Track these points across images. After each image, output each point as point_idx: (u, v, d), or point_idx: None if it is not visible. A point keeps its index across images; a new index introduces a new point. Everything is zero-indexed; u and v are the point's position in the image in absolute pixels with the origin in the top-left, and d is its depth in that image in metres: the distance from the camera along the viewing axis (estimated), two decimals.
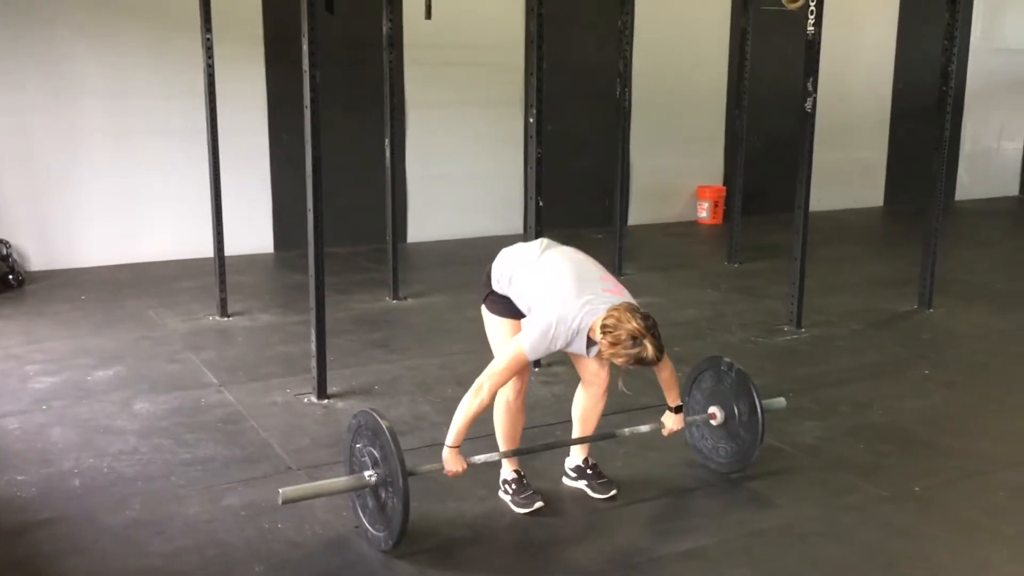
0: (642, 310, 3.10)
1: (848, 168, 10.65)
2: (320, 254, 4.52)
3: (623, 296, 3.18)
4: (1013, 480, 3.75)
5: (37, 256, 7.22)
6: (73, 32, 7.12)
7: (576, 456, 3.67)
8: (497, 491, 3.56)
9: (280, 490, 3.10)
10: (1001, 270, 7.96)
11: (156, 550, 3.16)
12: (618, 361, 3.07)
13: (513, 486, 3.52)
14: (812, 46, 5.56)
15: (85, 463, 3.82)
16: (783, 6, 5.89)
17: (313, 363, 4.57)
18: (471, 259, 7.73)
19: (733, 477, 3.73)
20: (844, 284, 7.11)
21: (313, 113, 4.38)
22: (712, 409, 3.75)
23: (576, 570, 3.07)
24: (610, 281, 3.25)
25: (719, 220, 9.71)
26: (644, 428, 3.67)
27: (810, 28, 5.54)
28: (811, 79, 5.59)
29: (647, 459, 3.92)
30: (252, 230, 7.86)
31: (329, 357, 4.67)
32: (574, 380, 3.70)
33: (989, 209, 11.10)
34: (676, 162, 9.82)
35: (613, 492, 3.56)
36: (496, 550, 3.20)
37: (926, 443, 4.09)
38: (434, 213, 8.60)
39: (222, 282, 5.98)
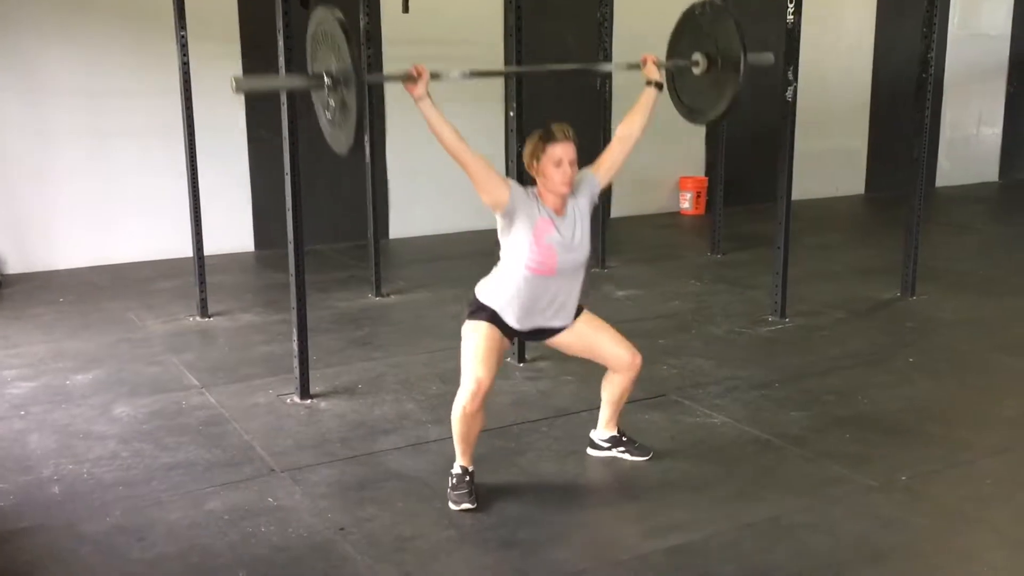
0: None
1: (829, 156, 10.66)
2: (300, 252, 4.47)
3: None
4: (998, 468, 3.75)
5: (13, 259, 7.13)
6: (45, 31, 7.02)
7: (609, 429, 3.79)
8: (482, 487, 3.53)
9: (232, 77, 3.03)
10: (983, 257, 7.99)
11: (137, 557, 3.11)
12: (544, 162, 3.29)
13: (453, 480, 3.45)
14: (792, 35, 5.54)
15: (64, 469, 3.76)
16: None
17: (295, 363, 4.52)
18: (453, 255, 7.70)
19: (721, 469, 3.71)
20: (827, 273, 7.11)
21: (290, 110, 4.32)
22: (695, 56, 3.73)
23: (563, 570, 3.04)
24: None
25: (702, 211, 9.70)
26: (617, 65, 3.77)
27: (790, 17, 5.52)
28: (792, 68, 5.57)
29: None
30: (232, 229, 7.78)
31: (312, 356, 4.63)
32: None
33: (970, 195, 11.14)
34: (658, 153, 9.76)
35: (651, 454, 3.76)
36: (483, 551, 3.17)
37: (912, 432, 4.09)
38: (415, 209, 8.55)
39: (202, 282, 5.92)
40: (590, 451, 3.83)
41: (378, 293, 6.43)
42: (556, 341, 3.60)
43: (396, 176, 8.43)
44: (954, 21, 11.27)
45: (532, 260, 3.31)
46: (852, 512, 3.37)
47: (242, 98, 7.71)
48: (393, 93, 8.22)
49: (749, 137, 9.61)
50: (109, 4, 7.18)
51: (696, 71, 3.66)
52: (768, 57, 3.75)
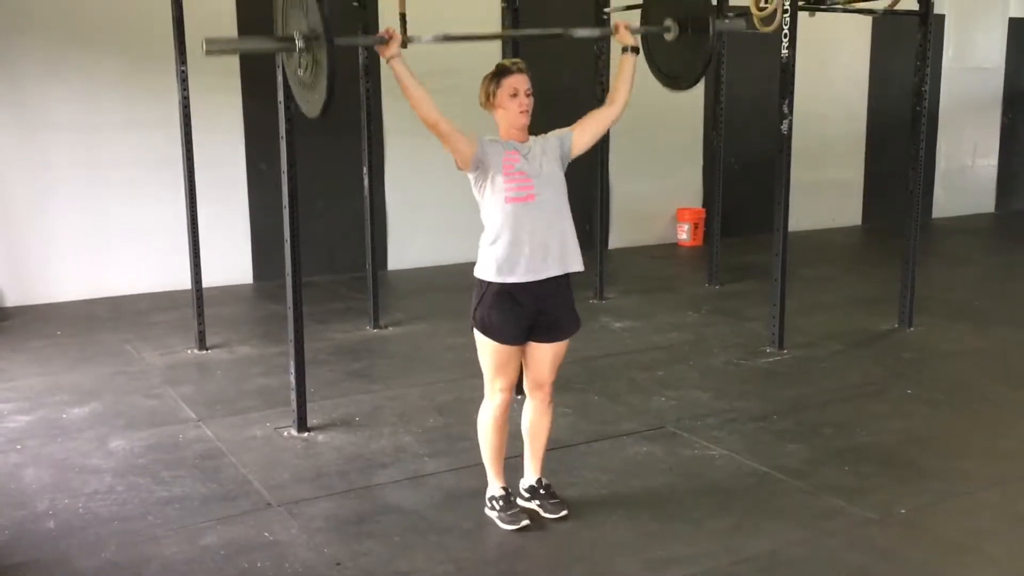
0: None
1: (826, 188, 10.71)
2: (298, 284, 4.48)
3: None
4: (997, 500, 3.74)
5: (11, 292, 7.13)
6: (44, 66, 7.07)
7: (530, 476, 3.65)
8: (481, 520, 3.52)
9: (204, 40, 3.08)
10: (980, 287, 8.01)
11: None
12: (500, 93, 3.35)
13: (500, 503, 3.51)
14: (787, 69, 5.59)
15: (60, 504, 3.74)
16: (757, 29, 5.91)
17: (293, 395, 4.51)
18: (451, 286, 7.70)
19: (719, 502, 3.70)
20: (824, 304, 7.12)
21: (288, 144, 4.36)
22: (667, 22, 3.77)
23: None
24: None
25: (699, 242, 9.72)
26: (595, 31, 3.91)
27: (784, 51, 5.57)
28: (787, 101, 5.62)
29: (630, 485, 3.88)
30: (230, 261, 7.79)
31: (309, 389, 4.63)
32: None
33: (966, 226, 11.18)
34: (656, 185, 9.85)
35: (564, 512, 3.55)
36: None
37: (910, 464, 4.08)
38: (413, 240, 8.57)
39: (200, 314, 5.92)
40: (518, 500, 3.62)
41: (376, 325, 6.43)
42: (539, 346, 3.47)
43: (394, 208, 8.46)
44: (948, 54, 11.37)
45: (508, 189, 3.32)
46: (851, 545, 3.35)
47: (242, 131, 7.76)
48: (392, 128, 8.27)
49: (746, 169, 9.69)
50: (107, 38, 7.24)
51: (668, 36, 3.70)
52: (740, 23, 3.81)
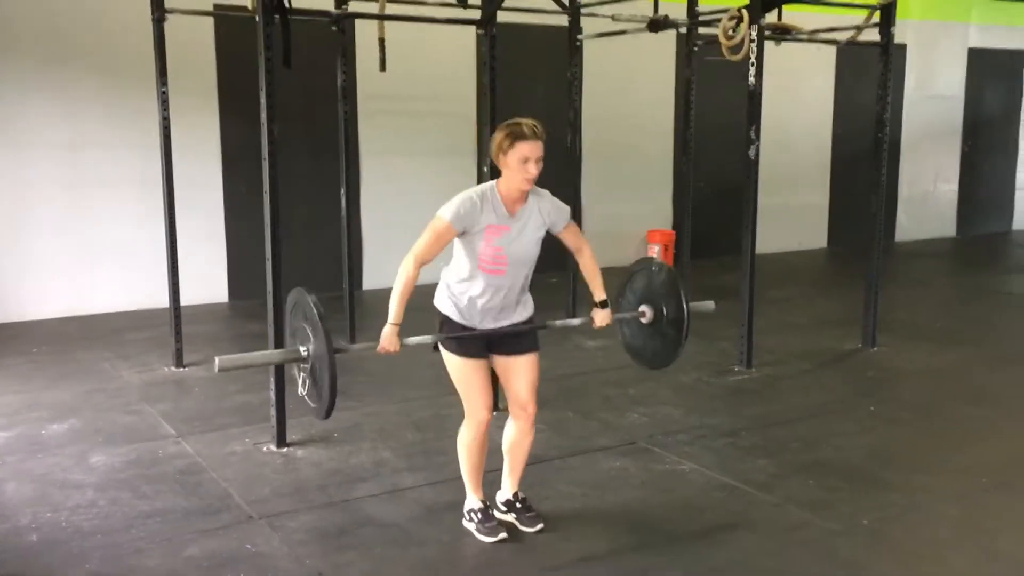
0: None
1: (792, 211, 10.95)
2: (279, 302, 4.55)
3: None
4: (956, 512, 3.89)
5: None
6: (26, 85, 7.12)
7: (507, 490, 3.75)
8: (459, 533, 3.61)
9: (216, 358, 3.23)
10: (941, 309, 8.23)
11: None
12: (511, 156, 3.31)
13: (479, 515, 3.61)
14: (754, 96, 5.78)
15: (42, 518, 3.78)
16: (725, 57, 6.10)
17: (272, 411, 4.58)
18: (427, 306, 7.74)
19: (690, 515, 3.82)
20: (792, 324, 7.30)
21: (271, 166, 4.45)
22: (642, 308, 3.87)
23: None
24: None
25: (670, 263, 9.88)
26: (575, 321, 3.86)
27: (751, 79, 5.76)
28: (754, 127, 5.80)
29: (604, 499, 3.99)
30: (206, 280, 7.84)
31: (288, 405, 4.69)
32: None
33: (928, 250, 11.45)
34: (627, 207, 10.02)
35: (540, 526, 3.65)
36: None
37: (873, 478, 4.23)
38: (389, 260, 8.61)
39: (178, 332, 5.97)
40: (495, 512, 3.72)
41: (353, 343, 6.49)
42: (496, 359, 3.61)
43: (370, 229, 8.56)
44: (910, 83, 11.69)
45: (483, 260, 3.41)
46: (815, 556, 3.48)
47: (219, 152, 7.84)
48: (368, 150, 8.39)
49: (716, 193, 9.89)
50: (88, 59, 7.30)
51: (644, 320, 3.87)
52: (709, 305, 4.04)
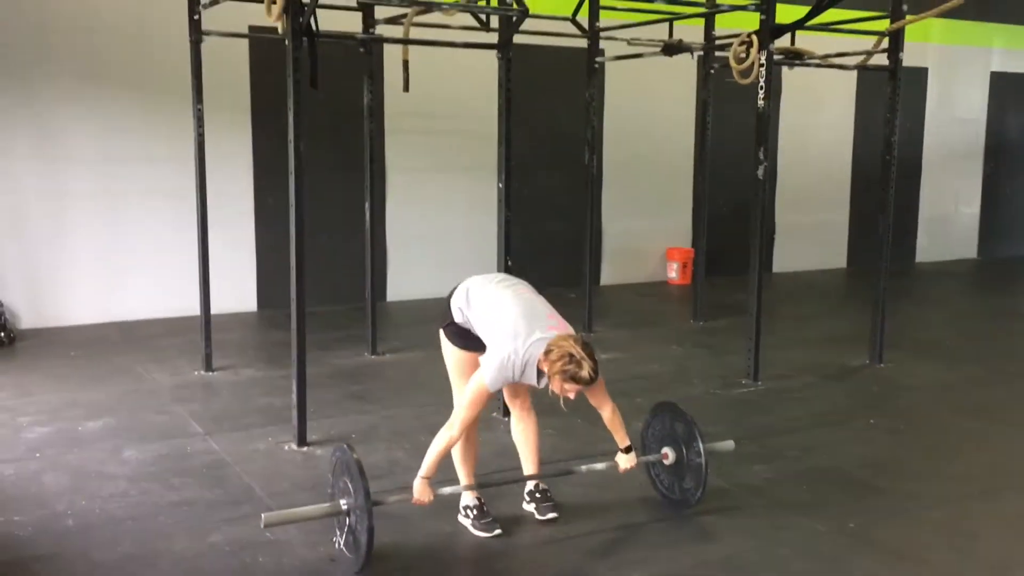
0: (582, 337, 3.51)
1: (812, 231, 11.10)
2: (302, 311, 4.82)
3: (567, 331, 3.57)
4: (941, 517, 4.06)
5: (28, 315, 7.49)
6: (65, 101, 7.48)
7: (528, 482, 4.04)
8: (462, 525, 3.85)
9: (263, 515, 3.42)
10: (953, 327, 8.35)
11: None
12: (558, 381, 3.41)
13: (474, 511, 3.84)
14: (762, 118, 5.99)
15: (78, 505, 4.06)
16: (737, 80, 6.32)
17: (294, 413, 4.85)
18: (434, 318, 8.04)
19: (684, 513, 4.03)
20: (802, 340, 7.46)
21: (298, 180, 4.72)
22: (664, 450, 4.06)
23: None
24: (556, 319, 3.63)
25: (688, 280, 10.07)
26: (600, 466, 3.98)
27: (760, 102, 5.97)
28: (763, 148, 6.00)
29: (603, 498, 4.21)
30: (236, 289, 8.16)
31: (309, 408, 4.95)
32: (540, 429, 4.02)
33: (947, 271, 11.55)
34: (646, 224, 10.24)
35: (552, 515, 3.92)
36: None
37: (864, 484, 4.41)
38: (412, 273, 8.94)
39: (207, 338, 6.27)
40: (523, 503, 4.01)
41: (374, 352, 6.77)
42: None
43: (394, 242, 8.85)
44: (931, 106, 11.82)
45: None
46: (800, 553, 3.68)
47: (251, 166, 8.16)
48: (394, 166, 8.69)
49: (735, 212, 10.07)
50: (125, 75, 7.66)
51: (667, 463, 4.06)
52: (728, 445, 4.21)
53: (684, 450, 4.00)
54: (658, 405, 4.24)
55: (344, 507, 3.51)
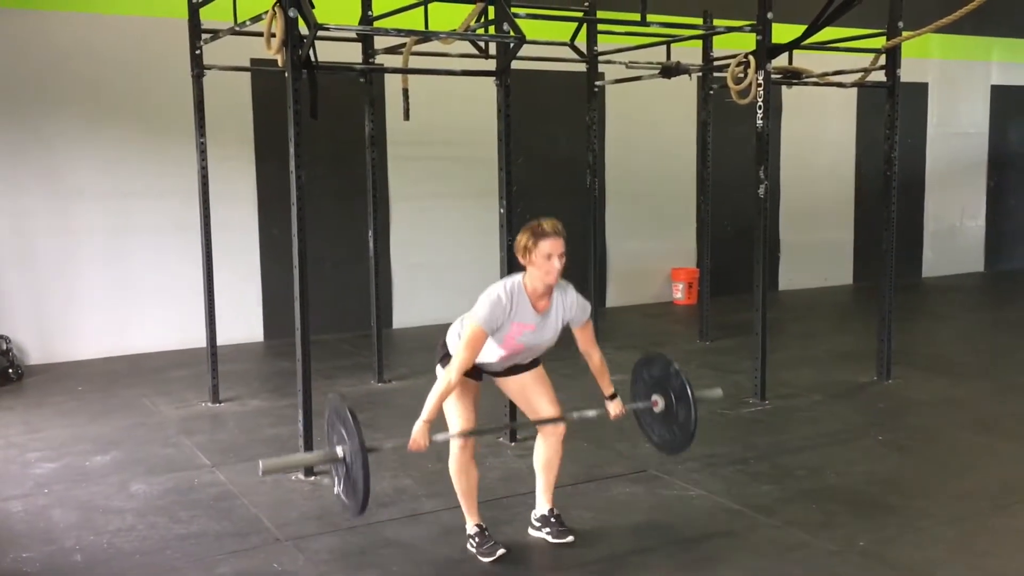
0: None
1: (818, 248, 11.10)
2: (306, 340, 4.84)
3: None
4: (952, 535, 4.03)
5: (36, 350, 7.52)
6: (70, 137, 7.55)
7: (542, 506, 4.01)
8: (470, 551, 3.84)
9: (260, 461, 3.46)
10: (961, 343, 8.32)
11: None
12: (537, 255, 3.58)
13: (476, 539, 3.84)
14: (762, 137, 6.01)
15: (85, 540, 4.06)
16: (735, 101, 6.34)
17: (300, 443, 4.84)
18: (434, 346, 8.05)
19: (694, 535, 4.01)
20: (809, 358, 7.44)
21: (299, 210, 4.75)
22: (655, 397, 4.07)
23: None
24: None
25: (694, 300, 10.07)
26: (591, 413, 4.00)
27: (759, 121, 5.99)
28: (763, 167, 6.02)
29: (613, 522, 4.19)
30: (242, 320, 8.19)
31: (316, 437, 4.94)
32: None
33: (954, 285, 11.52)
34: (651, 246, 10.25)
35: (570, 538, 3.93)
36: None
37: (874, 503, 4.38)
38: (417, 300, 8.96)
39: (214, 370, 6.28)
40: (529, 530, 4.05)
41: (380, 379, 6.78)
42: (502, 380, 3.95)
43: (399, 270, 8.87)
44: (932, 120, 11.85)
45: (504, 348, 3.72)
46: (811, 572, 3.65)
47: (255, 198, 8.21)
48: (397, 193, 8.73)
49: (738, 230, 10.08)
50: (130, 113, 7.73)
51: (656, 410, 4.09)
52: (717, 392, 4.34)
53: (672, 396, 3.99)
54: (642, 359, 4.23)
55: (340, 454, 3.52)
